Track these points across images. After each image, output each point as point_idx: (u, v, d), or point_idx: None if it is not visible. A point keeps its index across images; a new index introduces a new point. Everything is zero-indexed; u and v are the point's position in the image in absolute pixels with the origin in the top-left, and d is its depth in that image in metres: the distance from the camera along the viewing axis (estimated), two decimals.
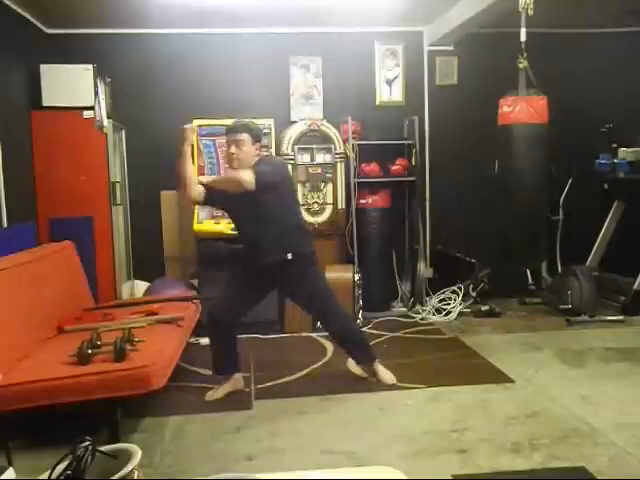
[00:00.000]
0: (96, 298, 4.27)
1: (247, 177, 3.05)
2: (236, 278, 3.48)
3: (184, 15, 4.68)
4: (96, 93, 4.33)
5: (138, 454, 1.06)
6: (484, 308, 5.06)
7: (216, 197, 3.30)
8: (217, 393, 3.40)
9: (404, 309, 5.23)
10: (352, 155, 4.98)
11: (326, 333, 4.49)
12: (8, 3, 4.15)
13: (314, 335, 4.54)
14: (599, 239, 5.32)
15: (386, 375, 3.55)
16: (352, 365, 3.67)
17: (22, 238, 3.90)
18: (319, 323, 3.74)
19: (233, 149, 3.22)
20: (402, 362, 3.79)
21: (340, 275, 4.64)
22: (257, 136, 3.27)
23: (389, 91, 5.45)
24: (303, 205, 4.77)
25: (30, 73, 4.45)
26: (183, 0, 4.34)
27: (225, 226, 4.48)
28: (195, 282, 4.79)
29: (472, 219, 5.34)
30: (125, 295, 4.81)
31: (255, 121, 3.44)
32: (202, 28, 5.08)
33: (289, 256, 3.29)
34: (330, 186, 5.00)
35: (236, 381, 3.47)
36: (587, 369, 3.72)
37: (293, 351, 4.22)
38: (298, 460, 2.61)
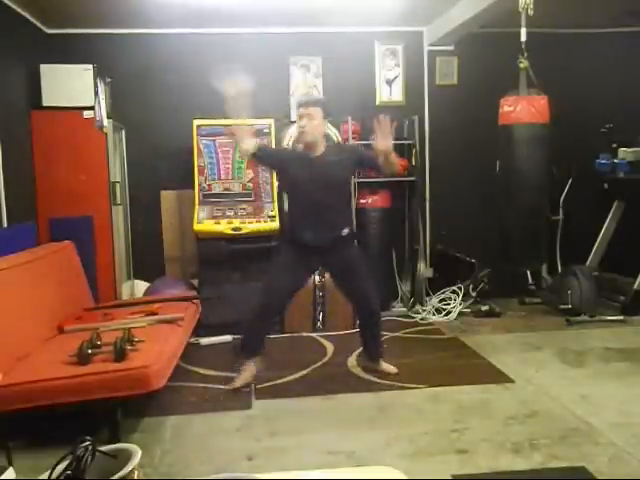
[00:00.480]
0: (96, 298, 4.27)
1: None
2: (284, 263, 3.46)
3: (183, 15, 4.67)
4: (96, 93, 4.34)
5: (138, 454, 1.06)
6: (484, 308, 5.05)
7: (275, 161, 3.57)
8: (237, 382, 3.44)
9: (404, 309, 5.22)
10: None
11: (326, 333, 4.53)
12: (8, 3, 4.15)
13: (314, 335, 4.54)
14: (599, 239, 5.32)
15: (388, 367, 3.67)
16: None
17: (22, 238, 3.89)
18: (356, 305, 3.75)
19: (304, 121, 3.26)
20: (402, 362, 3.79)
21: None
22: (327, 113, 3.37)
23: (389, 91, 5.44)
24: None
25: (30, 73, 4.44)
26: (182, 0, 4.34)
27: (225, 226, 4.48)
28: (195, 282, 4.79)
29: (472, 219, 5.34)
30: (125, 295, 4.80)
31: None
32: (202, 28, 5.07)
33: (344, 232, 3.40)
34: None
35: (252, 369, 3.52)
36: (587, 369, 3.72)
37: (293, 351, 4.22)
38: (298, 460, 2.61)
